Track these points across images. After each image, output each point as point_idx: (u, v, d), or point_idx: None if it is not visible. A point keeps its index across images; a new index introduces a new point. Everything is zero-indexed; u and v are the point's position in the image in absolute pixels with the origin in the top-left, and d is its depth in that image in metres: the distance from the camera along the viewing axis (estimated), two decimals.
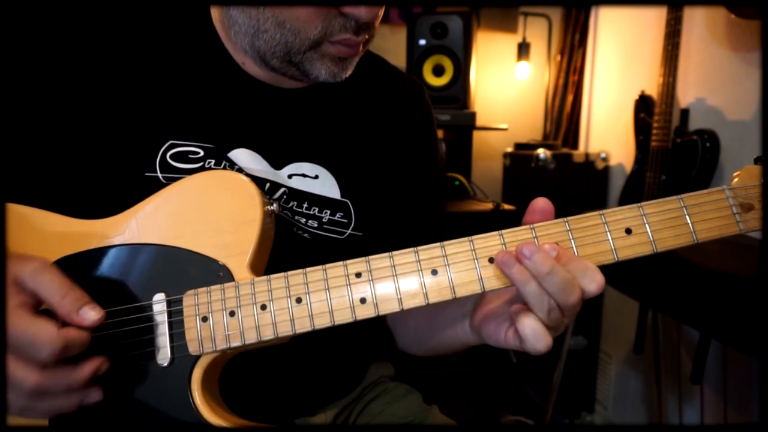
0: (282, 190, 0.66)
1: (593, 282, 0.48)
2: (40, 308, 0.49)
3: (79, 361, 0.48)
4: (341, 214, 0.69)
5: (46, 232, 0.57)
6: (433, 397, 0.84)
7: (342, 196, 0.69)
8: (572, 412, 2.11)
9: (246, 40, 0.60)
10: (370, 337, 0.87)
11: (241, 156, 0.64)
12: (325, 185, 0.68)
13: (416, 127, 0.78)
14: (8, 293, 0.46)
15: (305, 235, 0.67)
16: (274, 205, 0.58)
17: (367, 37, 0.61)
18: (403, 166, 0.76)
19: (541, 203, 0.52)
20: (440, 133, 1.99)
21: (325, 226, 0.68)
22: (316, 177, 0.68)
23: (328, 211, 0.68)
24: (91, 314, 0.48)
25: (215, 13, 0.65)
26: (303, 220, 0.67)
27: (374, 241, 0.72)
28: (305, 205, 0.67)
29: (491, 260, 0.51)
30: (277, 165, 0.66)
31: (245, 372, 0.62)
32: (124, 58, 0.62)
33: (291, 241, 0.66)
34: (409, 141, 0.77)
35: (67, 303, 0.47)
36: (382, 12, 0.61)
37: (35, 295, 0.48)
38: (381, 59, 0.80)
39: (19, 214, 0.57)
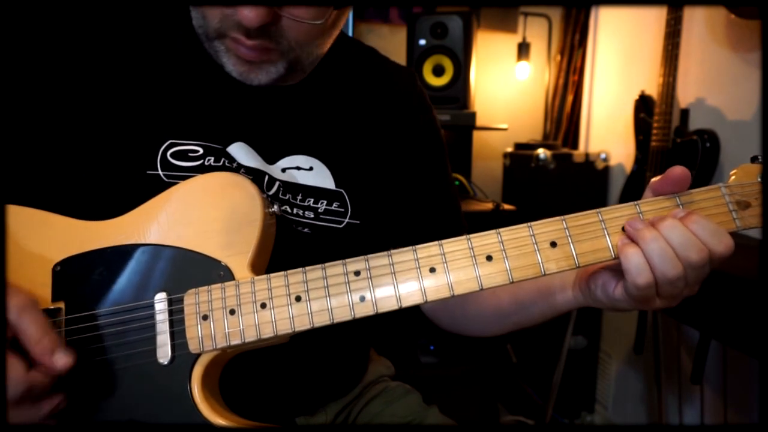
0: (277, 184, 0.66)
1: (721, 243, 0.48)
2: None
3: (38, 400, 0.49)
4: (337, 203, 0.69)
5: (50, 233, 0.58)
6: (432, 396, 0.84)
7: (336, 186, 0.70)
8: (572, 412, 2.11)
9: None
10: (371, 336, 0.87)
11: (238, 150, 0.65)
12: (319, 176, 0.69)
13: (407, 114, 0.78)
14: None
15: (305, 230, 0.68)
16: (275, 206, 0.59)
17: (262, 43, 0.57)
18: (398, 153, 0.76)
19: (678, 171, 0.50)
20: (441, 132, 1.99)
21: (321, 217, 0.69)
22: (311, 169, 0.68)
23: (324, 202, 0.69)
24: (61, 361, 0.49)
25: None
26: (300, 213, 0.67)
27: (373, 228, 0.73)
28: (299, 197, 0.67)
29: (489, 258, 0.51)
30: (271, 159, 0.67)
31: (247, 371, 0.62)
32: (122, 59, 0.63)
33: (291, 238, 0.66)
34: (401, 128, 0.77)
35: (43, 345, 0.48)
36: (290, 22, 0.56)
37: (13, 329, 0.48)
38: (371, 50, 0.80)
39: (24, 215, 0.58)
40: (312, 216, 0.68)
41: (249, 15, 0.52)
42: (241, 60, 0.59)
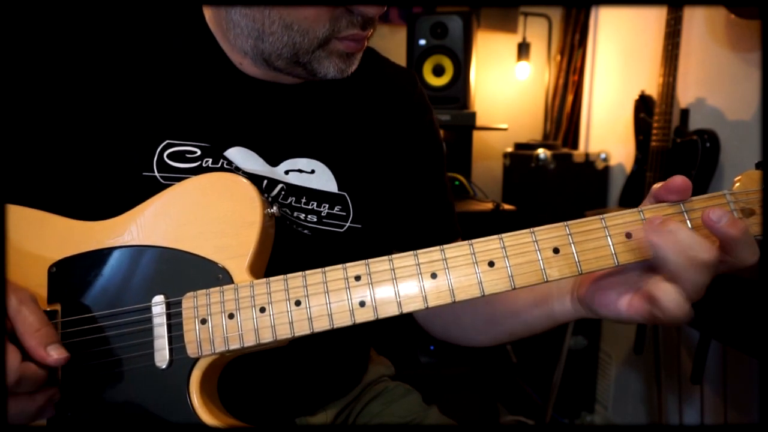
0: (279, 186, 0.66)
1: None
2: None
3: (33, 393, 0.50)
4: (339, 207, 0.69)
5: (46, 234, 0.57)
6: (432, 397, 0.84)
7: (339, 189, 0.69)
8: (572, 412, 2.11)
9: (248, 42, 0.60)
10: (371, 336, 0.87)
11: (237, 154, 0.64)
12: (322, 179, 0.68)
13: (408, 117, 0.78)
14: None
15: (305, 231, 0.67)
16: (275, 207, 0.58)
17: (368, 31, 0.62)
18: (398, 156, 0.76)
19: (679, 182, 0.49)
20: (440, 133, 2.00)
21: (324, 220, 0.68)
22: (313, 171, 0.68)
23: (327, 205, 0.68)
24: (55, 353, 0.49)
25: (208, 13, 0.65)
26: (302, 216, 0.67)
27: (374, 232, 0.72)
28: (303, 200, 0.67)
29: (491, 264, 0.50)
30: (273, 162, 0.66)
31: (246, 371, 0.62)
32: (120, 59, 0.62)
33: (292, 239, 0.66)
34: (402, 131, 0.76)
35: (38, 337, 0.49)
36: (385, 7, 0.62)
37: (12, 321, 0.49)
38: (371, 50, 0.79)
39: (20, 215, 0.57)
40: (315, 220, 0.68)
41: (372, 10, 0.58)
42: (342, 57, 0.61)
